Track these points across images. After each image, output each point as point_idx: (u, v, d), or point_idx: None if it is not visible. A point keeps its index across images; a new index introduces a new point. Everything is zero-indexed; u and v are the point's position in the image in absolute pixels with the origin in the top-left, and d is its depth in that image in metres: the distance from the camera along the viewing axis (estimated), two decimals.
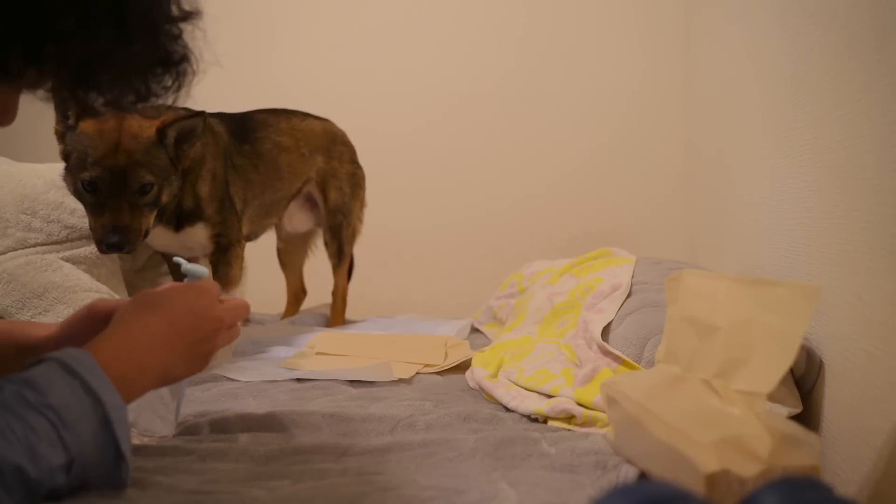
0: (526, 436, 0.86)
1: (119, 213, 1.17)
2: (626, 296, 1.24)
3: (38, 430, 0.59)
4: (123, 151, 1.16)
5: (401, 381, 1.19)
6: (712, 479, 0.62)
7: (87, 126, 1.16)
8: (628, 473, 0.73)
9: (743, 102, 1.37)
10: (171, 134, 1.22)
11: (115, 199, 1.17)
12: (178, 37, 0.66)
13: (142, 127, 1.19)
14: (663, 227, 2.13)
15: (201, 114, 1.22)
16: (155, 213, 1.24)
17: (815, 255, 0.90)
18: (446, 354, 1.36)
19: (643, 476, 0.73)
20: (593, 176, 2.19)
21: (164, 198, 1.24)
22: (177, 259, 0.92)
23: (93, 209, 1.18)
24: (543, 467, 0.76)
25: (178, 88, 0.70)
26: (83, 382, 0.63)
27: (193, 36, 0.68)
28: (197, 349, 0.76)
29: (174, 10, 0.65)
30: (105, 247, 1.17)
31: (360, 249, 1.85)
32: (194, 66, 0.69)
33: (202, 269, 0.87)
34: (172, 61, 0.67)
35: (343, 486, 0.71)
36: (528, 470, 0.75)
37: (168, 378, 0.75)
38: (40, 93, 0.66)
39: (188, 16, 0.67)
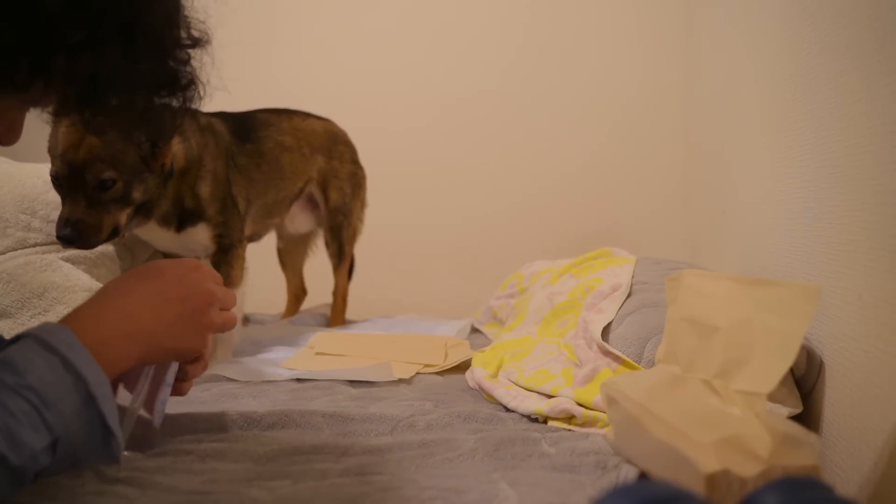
0: (526, 436, 0.86)
1: (75, 208, 1.15)
2: (626, 296, 1.24)
3: (18, 414, 0.58)
4: (85, 146, 1.14)
5: (401, 381, 1.19)
6: (712, 479, 0.62)
7: (62, 122, 1.15)
8: (628, 473, 0.73)
9: (743, 102, 1.37)
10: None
11: (74, 193, 1.15)
12: (187, 62, 0.67)
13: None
14: (663, 227, 2.13)
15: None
16: (126, 211, 1.21)
17: (815, 255, 0.90)
18: (446, 354, 1.36)
19: (643, 476, 0.73)
20: (593, 176, 2.19)
21: (136, 195, 1.21)
22: None
23: (61, 203, 1.17)
24: (543, 467, 0.76)
25: (184, 113, 0.71)
26: (63, 359, 0.61)
27: (202, 62, 0.69)
28: (188, 321, 0.74)
29: (183, 36, 0.66)
30: (58, 240, 1.15)
31: (361, 249, 1.86)
32: (201, 92, 0.70)
33: None
34: (179, 85, 0.67)
35: (343, 486, 0.70)
36: (528, 470, 0.75)
37: (156, 348, 0.72)
38: (44, 115, 0.66)
39: (197, 42, 0.67)
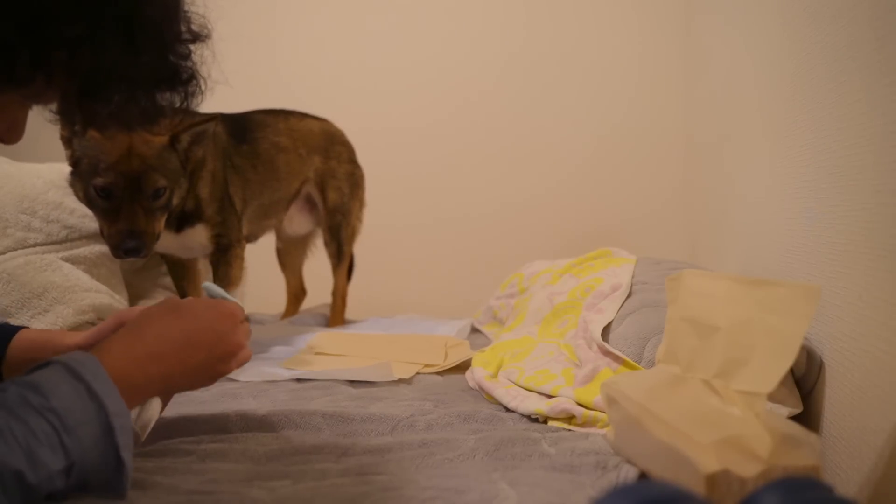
0: (526, 436, 0.86)
1: (134, 219, 1.16)
2: (626, 296, 1.24)
3: (39, 434, 0.58)
4: (137, 156, 1.16)
5: (401, 381, 1.19)
6: (712, 479, 0.62)
7: (96, 131, 1.16)
8: (628, 473, 0.73)
9: (743, 102, 1.37)
10: (186, 139, 1.23)
11: (130, 204, 1.16)
12: (187, 57, 0.67)
13: (152, 131, 1.19)
14: (663, 226, 2.13)
15: (216, 117, 1.22)
16: (166, 216, 1.24)
17: (815, 255, 0.90)
18: (446, 354, 1.36)
19: (643, 476, 0.73)
20: (594, 176, 2.19)
21: (175, 200, 1.24)
22: (206, 284, 0.92)
23: (106, 215, 1.18)
24: (543, 467, 0.76)
25: (186, 108, 0.71)
26: (87, 387, 0.62)
27: (203, 57, 0.69)
28: (208, 367, 0.76)
29: (184, 31, 0.66)
30: (122, 252, 1.17)
31: (360, 249, 1.85)
32: (202, 87, 0.70)
33: (223, 293, 0.89)
34: (180, 80, 0.67)
35: (343, 486, 0.70)
36: (528, 470, 0.75)
37: (170, 389, 0.75)
38: (48, 113, 0.66)
39: (197, 37, 0.67)
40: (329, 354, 1.36)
